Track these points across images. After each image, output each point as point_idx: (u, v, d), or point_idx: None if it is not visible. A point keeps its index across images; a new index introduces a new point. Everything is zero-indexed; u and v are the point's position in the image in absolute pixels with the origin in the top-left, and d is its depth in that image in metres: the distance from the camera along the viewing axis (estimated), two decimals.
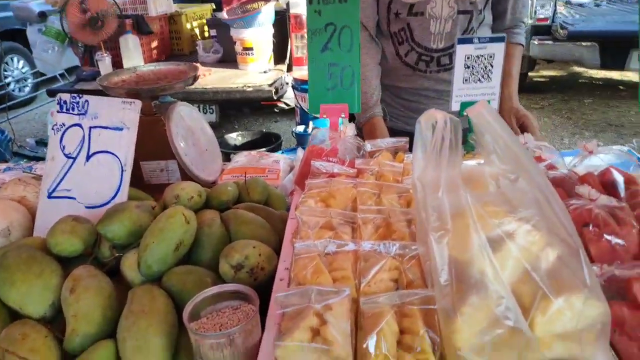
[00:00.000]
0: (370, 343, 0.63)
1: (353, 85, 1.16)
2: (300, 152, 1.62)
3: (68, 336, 0.78)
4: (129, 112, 1.19)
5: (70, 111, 1.20)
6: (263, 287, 0.86)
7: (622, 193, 0.97)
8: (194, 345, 0.71)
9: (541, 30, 4.73)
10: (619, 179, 0.99)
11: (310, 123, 3.60)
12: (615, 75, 6.21)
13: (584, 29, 4.57)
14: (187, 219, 0.92)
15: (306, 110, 3.63)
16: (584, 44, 4.47)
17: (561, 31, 4.52)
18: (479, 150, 0.72)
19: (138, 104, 1.20)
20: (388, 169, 1.03)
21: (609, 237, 0.82)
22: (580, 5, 5.52)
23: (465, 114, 0.75)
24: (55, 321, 0.85)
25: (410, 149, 1.15)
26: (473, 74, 1.08)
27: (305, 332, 0.64)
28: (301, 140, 3.47)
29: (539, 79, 6.45)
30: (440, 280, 0.63)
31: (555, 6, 4.71)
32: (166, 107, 1.52)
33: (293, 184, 1.18)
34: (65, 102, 1.21)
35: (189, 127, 1.55)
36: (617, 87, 5.95)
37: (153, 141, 1.48)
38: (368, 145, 1.11)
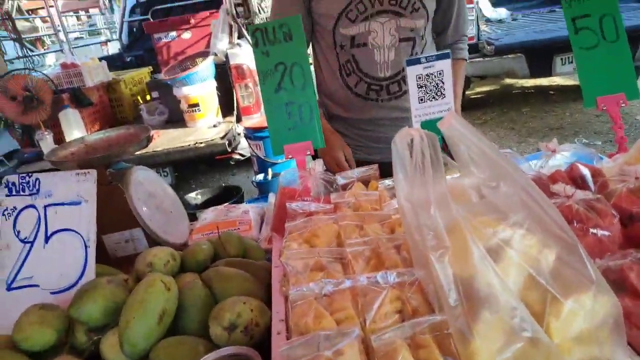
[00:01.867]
0: None
1: (313, 120, 1.15)
2: (272, 198, 1.59)
3: None
4: (85, 184, 1.13)
5: (21, 192, 1.13)
6: (259, 345, 0.81)
7: (592, 186, 1.00)
8: None
9: (469, 50, 4.99)
10: (586, 172, 1.02)
11: (269, 170, 3.59)
12: (544, 82, 6.61)
13: (508, 42, 4.86)
14: (167, 285, 0.86)
15: (263, 157, 3.61)
16: (510, 56, 4.75)
17: (488, 47, 4.79)
18: (456, 163, 0.71)
19: (93, 173, 1.14)
20: (365, 199, 1.01)
21: (594, 231, 0.83)
22: (500, 21, 5.90)
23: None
24: None
25: (381, 176, 1.15)
26: (427, 92, 1.10)
27: None
28: (263, 188, 3.43)
29: (476, 96, 6.76)
30: (450, 302, 0.61)
31: (478, 25, 5.00)
32: (122, 173, 1.46)
33: (270, 231, 1.14)
34: (13, 184, 1.13)
35: (149, 190, 1.49)
36: (548, 93, 6.33)
37: (113, 211, 1.41)
38: (339, 179, 1.10)
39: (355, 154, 1.66)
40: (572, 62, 4.58)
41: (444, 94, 1.10)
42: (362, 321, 0.70)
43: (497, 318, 0.59)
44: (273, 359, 0.74)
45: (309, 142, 1.16)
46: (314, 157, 1.31)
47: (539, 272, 0.62)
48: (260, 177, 3.56)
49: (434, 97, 1.12)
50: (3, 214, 1.13)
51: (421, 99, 1.12)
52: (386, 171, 1.01)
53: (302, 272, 0.82)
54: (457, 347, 0.61)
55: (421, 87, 1.11)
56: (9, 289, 1.08)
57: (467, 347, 0.60)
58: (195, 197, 3.67)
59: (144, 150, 2.20)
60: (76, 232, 1.11)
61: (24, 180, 1.14)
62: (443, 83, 1.10)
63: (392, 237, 0.85)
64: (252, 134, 3.56)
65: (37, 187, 1.14)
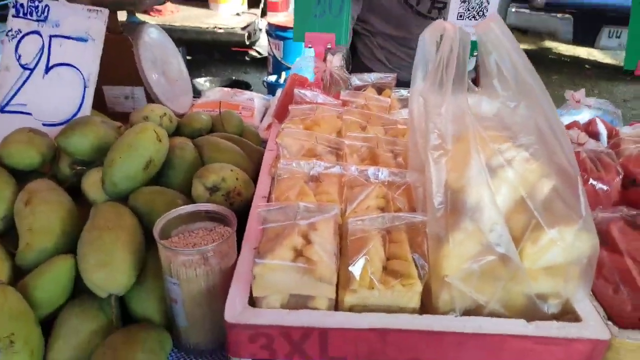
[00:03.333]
0: (356, 266, 0.60)
1: (342, 13, 1.09)
2: (279, 93, 1.54)
3: (21, 250, 0.71)
4: (95, 22, 1.08)
5: (28, 16, 1.08)
6: (238, 215, 0.81)
7: (605, 144, 0.97)
8: (165, 262, 0.66)
9: None
10: (603, 130, 0.99)
11: (283, 74, 3.49)
12: (583, 54, 6.32)
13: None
14: (159, 136, 0.85)
15: (280, 59, 3.50)
16: (559, 15, 4.49)
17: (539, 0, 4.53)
18: (482, 77, 0.67)
19: (105, 12, 1.09)
20: (374, 103, 0.98)
21: (593, 182, 0.82)
22: None
23: None
24: (6, 236, 0.78)
25: (397, 85, 1.11)
26: (468, 9, 1.03)
27: (287, 251, 0.61)
28: (273, 90, 3.36)
29: None
30: (435, 203, 0.60)
31: None
32: (134, 27, 1.41)
33: (272, 117, 1.12)
34: (22, 5, 1.08)
35: (159, 52, 1.44)
36: (584, 66, 6.08)
37: (118, 64, 1.36)
38: (355, 79, 1.06)
39: (399, 73, 1.59)
40: (619, 36, 4.35)
41: (485, 15, 1.03)
42: (343, 209, 0.70)
43: (476, 228, 0.59)
44: (247, 227, 0.74)
45: (333, 35, 1.10)
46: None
47: (530, 198, 0.61)
48: (273, 78, 3.47)
49: (474, 17, 1.05)
50: (7, 35, 1.09)
51: (460, 15, 1.05)
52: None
53: (295, 154, 0.81)
54: (430, 248, 0.61)
55: (464, 1, 1.03)
56: (2, 110, 1.06)
57: (439, 250, 0.60)
58: (203, 83, 3.60)
59: (160, 23, 2.11)
60: (78, 69, 1.08)
61: (33, 4, 1.08)
62: (488, 3, 1.03)
63: (393, 140, 0.83)
64: (275, 31, 3.41)
65: (45, 14, 1.08)
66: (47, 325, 0.67)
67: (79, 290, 0.72)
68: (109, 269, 0.66)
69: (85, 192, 0.85)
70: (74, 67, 1.08)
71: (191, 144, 0.95)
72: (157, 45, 1.44)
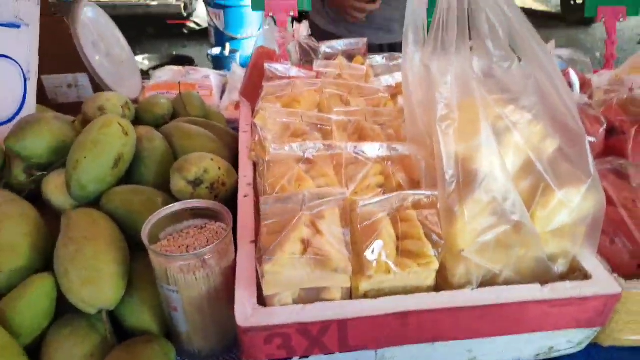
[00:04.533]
0: (371, 252, 0.57)
1: None
2: (235, 68, 1.46)
3: None
4: (25, 4, 0.96)
5: None
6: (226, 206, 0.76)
7: (578, 93, 0.98)
8: (159, 270, 0.60)
9: None
10: (576, 81, 0.99)
11: (227, 45, 3.33)
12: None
13: None
14: (125, 129, 0.76)
15: (222, 30, 3.34)
16: None
17: None
18: (473, 37, 0.64)
19: None
20: (349, 72, 0.93)
21: None
22: None
23: None
24: None
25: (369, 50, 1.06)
26: None
27: (296, 244, 0.56)
28: (218, 63, 3.20)
29: None
30: (446, 177, 0.57)
31: None
32: (67, 6, 1.27)
33: (239, 95, 1.05)
34: None
35: (98, 32, 1.31)
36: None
37: (55, 49, 1.23)
38: (325, 48, 1.00)
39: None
40: None
41: None
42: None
43: (490, 199, 0.57)
44: (240, 220, 0.69)
45: (294, 0, 1.03)
46: (298, 21, 1.18)
47: (538, 159, 0.59)
48: (217, 50, 3.31)
49: None
50: None
51: None
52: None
53: (279, 135, 0.76)
54: (442, 224, 0.59)
55: None
56: None
57: (453, 224, 0.58)
58: (142, 61, 3.38)
59: None
60: (13, 60, 0.96)
61: None
62: None
63: (377, 111, 0.79)
64: (214, 0, 3.23)
65: None
66: (32, 354, 0.60)
67: (60, 310, 0.65)
68: (97, 284, 0.60)
69: (49, 199, 0.77)
70: (9, 57, 0.96)
71: (159, 134, 0.87)
72: (96, 24, 1.31)
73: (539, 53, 0.58)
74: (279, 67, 0.91)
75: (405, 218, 0.61)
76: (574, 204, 0.60)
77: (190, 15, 3.56)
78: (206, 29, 3.61)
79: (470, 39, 0.61)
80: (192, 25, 3.78)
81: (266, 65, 0.91)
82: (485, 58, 0.65)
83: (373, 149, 0.68)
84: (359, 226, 0.59)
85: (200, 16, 3.62)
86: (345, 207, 0.60)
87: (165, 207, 0.64)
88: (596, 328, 0.65)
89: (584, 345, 0.67)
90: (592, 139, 0.81)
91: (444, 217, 0.59)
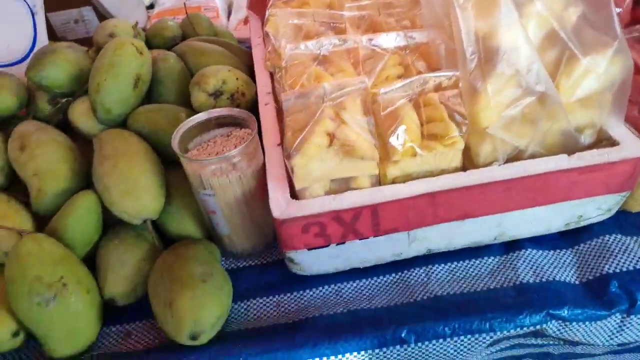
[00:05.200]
0: (395, 137, 0.57)
1: None
2: None
3: (35, 197, 0.67)
4: None
5: None
6: None
7: None
8: (193, 177, 0.63)
9: None
10: None
11: None
12: None
13: None
14: (139, 49, 0.76)
15: None
16: None
17: None
18: None
19: None
20: None
21: None
22: None
23: None
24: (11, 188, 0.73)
25: None
26: None
27: (321, 136, 0.57)
28: None
29: None
30: (467, 54, 0.56)
31: None
32: None
33: (247, 10, 1.02)
34: None
35: None
36: None
37: None
38: None
39: None
40: None
41: None
42: None
43: (513, 71, 0.56)
44: (263, 126, 0.70)
45: None
46: None
47: (561, 28, 0.58)
48: None
49: None
50: None
51: None
52: None
53: (295, 40, 0.74)
54: (465, 103, 0.59)
55: None
56: None
57: (476, 102, 0.58)
58: None
59: None
60: None
61: None
62: None
63: (392, 2, 0.77)
64: None
65: None
66: (88, 265, 0.65)
67: (107, 225, 0.69)
68: (136, 195, 0.63)
69: (76, 126, 0.79)
70: None
71: (172, 53, 0.87)
72: None
73: None
74: None
75: (427, 102, 0.61)
76: (600, 70, 0.58)
77: None
78: None
79: None
80: None
81: None
82: None
83: (389, 40, 0.67)
84: (381, 114, 0.59)
85: None
86: (367, 97, 0.60)
87: (191, 118, 0.65)
88: (625, 193, 0.65)
89: (613, 212, 0.68)
90: (618, 9, 0.77)
91: (467, 96, 0.59)
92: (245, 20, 1.20)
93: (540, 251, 0.68)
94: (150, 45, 0.98)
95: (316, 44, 0.65)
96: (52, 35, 1.29)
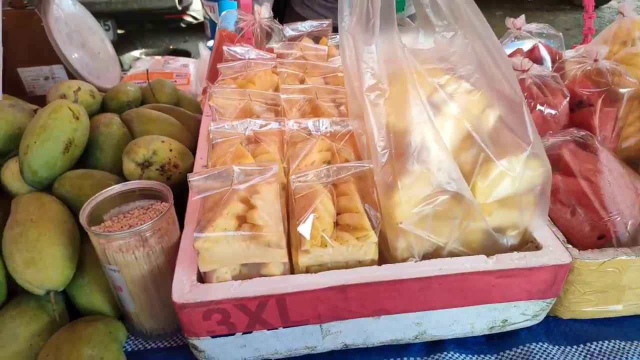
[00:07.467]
0: (305, 225, 0.56)
1: None
2: (203, 52, 1.46)
3: None
4: None
5: None
6: (180, 189, 0.75)
7: (550, 69, 0.95)
8: (99, 250, 0.60)
9: None
10: (547, 55, 0.97)
11: None
12: None
13: None
14: (76, 114, 0.76)
15: (216, 21, 3.33)
16: None
17: None
18: (416, 8, 0.63)
19: None
20: (311, 53, 0.92)
21: (541, 108, 0.80)
22: None
23: None
24: None
25: (334, 31, 1.05)
26: None
27: (229, 220, 0.56)
28: None
29: None
30: (378, 149, 0.56)
31: None
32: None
33: (205, 81, 1.04)
34: None
35: (74, 25, 1.32)
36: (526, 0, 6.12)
37: (29, 41, 1.24)
38: (288, 30, 0.99)
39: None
40: None
41: None
42: (286, 167, 0.65)
43: (424, 169, 0.56)
44: (189, 204, 0.69)
45: None
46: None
47: (476, 131, 0.58)
48: (212, 43, 3.30)
49: None
50: None
51: None
52: None
53: (231, 116, 0.75)
54: (380, 196, 0.58)
55: None
56: None
57: (389, 197, 0.57)
58: (138, 56, 3.40)
59: None
60: None
61: None
62: None
63: (334, 89, 0.78)
64: None
65: None
66: None
67: (14, 292, 0.65)
68: (39, 266, 0.60)
69: (6, 185, 0.77)
70: None
71: (118, 119, 0.87)
72: (71, 16, 1.32)
73: (476, 24, 0.56)
74: (237, 50, 0.90)
75: (343, 191, 0.60)
76: (515, 172, 0.58)
77: (186, 9, 3.55)
78: (203, 22, 3.62)
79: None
80: (189, 19, 3.78)
81: (225, 47, 0.90)
82: (429, 29, 0.64)
83: (317, 125, 0.67)
84: (294, 200, 0.58)
85: (197, 10, 3.61)
86: (283, 181, 0.59)
87: (106, 189, 0.64)
88: (550, 300, 0.63)
89: (540, 318, 0.66)
90: (552, 111, 0.79)
91: (381, 189, 0.58)
92: (203, 90, 1.22)
93: (464, 355, 0.65)
94: (106, 108, 0.99)
95: (242, 124, 0.65)
96: (21, 89, 1.31)
